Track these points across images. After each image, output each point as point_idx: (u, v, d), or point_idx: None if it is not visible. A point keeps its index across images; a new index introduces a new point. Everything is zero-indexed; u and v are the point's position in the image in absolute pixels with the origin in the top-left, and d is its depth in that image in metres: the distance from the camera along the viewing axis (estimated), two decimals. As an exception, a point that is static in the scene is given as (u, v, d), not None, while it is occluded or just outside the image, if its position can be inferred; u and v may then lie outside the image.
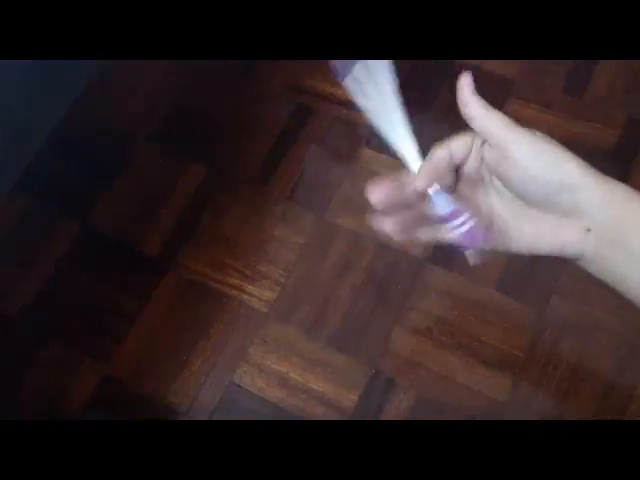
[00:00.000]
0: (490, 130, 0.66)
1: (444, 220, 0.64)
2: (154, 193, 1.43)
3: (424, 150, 0.64)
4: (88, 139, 1.53)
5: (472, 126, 0.67)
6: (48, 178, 1.50)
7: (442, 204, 0.64)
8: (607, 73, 1.32)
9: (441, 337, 1.18)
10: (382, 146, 1.41)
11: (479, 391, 1.13)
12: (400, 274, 1.24)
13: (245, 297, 1.30)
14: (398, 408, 1.15)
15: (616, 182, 0.64)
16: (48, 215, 1.45)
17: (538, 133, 0.66)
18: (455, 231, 0.64)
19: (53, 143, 1.52)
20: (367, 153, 1.37)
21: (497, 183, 0.68)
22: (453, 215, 0.64)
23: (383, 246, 1.27)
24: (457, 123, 1.37)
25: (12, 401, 1.29)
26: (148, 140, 1.48)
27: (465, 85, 0.65)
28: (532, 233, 0.68)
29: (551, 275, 1.18)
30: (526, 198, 0.68)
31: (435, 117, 1.36)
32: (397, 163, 1.39)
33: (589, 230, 0.65)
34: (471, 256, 0.64)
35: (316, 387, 1.20)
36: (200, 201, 1.40)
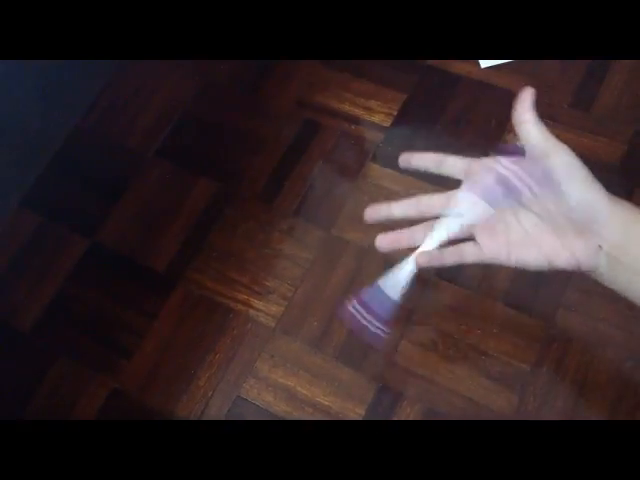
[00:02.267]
0: (536, 139, 0.71)
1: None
2: (162, 209, 1.44)
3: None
4: (96, 154, 1.54)
5: (519, 132, 0.72)
6: (56, 194, 1.51)
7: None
8: (614, 88, 1.33)
9: (447, 351, 1.18)
10: (389, 161, 1.42)
11: (485, 405, 1.13)
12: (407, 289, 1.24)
13: (252, 312, 1.30)
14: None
15: (624, 202, 0.67)
16: (57, 231, 1.46)
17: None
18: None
19: (61, 159, 1.54)
20: (374, 168, 1.37)
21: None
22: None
23: (390, 261, 1.27)
24: (463, 134, 1.36)
25: (21, 415, 1.30)
26: (156, 155, 1.50)
27: (526, 98, 0.77)
28: (550, 247, 0.72)
29: (557, 289, 1.18)
30: (545, 213, 0.71)
31: (443, 129, 1.38)
32: (403, 178, 1.40)
33: (601, 247, 0.68)
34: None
35: (323, 401, 1.20)
36: (208, 217, 1.41)
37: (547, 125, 1.31)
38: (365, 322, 0.77)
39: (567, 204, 0.70)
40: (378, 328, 0.77)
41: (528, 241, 0.73)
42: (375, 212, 0.83)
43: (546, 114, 1.33)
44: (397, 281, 0.80)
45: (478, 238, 0.75)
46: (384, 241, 0.80)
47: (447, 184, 1.31)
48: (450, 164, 0.79)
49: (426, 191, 1.30)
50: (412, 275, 0.79)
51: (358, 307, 0.78)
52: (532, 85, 1.35)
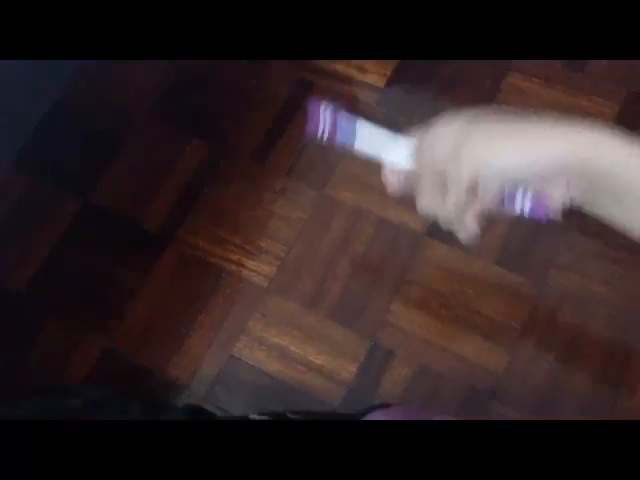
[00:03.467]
0: None
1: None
2: (154, 169, 1.43)
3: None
4: (88, 116, 1.53)
5: None
6: (48, 155, 1.50)
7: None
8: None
9: (439, 310, 1.18)
10: (382, 122, 1.41)
11: (476, 363, 1.13)
12: (399, 248, 1.25)
13: (245, 272, 1.30)
14: (396, 379, 1.16)
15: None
16: (48, 192, 1.45)
17: None
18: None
19: (52, 120, 1.52)
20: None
21: None
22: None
23: (383, 221, 1.28)
24: (456, 95, 1.34)
25: (16, 374, 1.30)
26: (148, 116, 1.49)
27: None
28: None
29: (549, 248, 1.18)
30: None
31: (436, 90, 1.37)
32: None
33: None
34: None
35: (315, 360, 1.21)
36: (200, 177, 1.40)
37: (542, 86, 1.32)
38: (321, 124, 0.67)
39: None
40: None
41: None
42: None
43: (541, 74, 1.33)
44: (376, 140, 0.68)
45: None
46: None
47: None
48: None
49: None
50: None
51: (327, 116, 0.67)
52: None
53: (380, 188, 1.33)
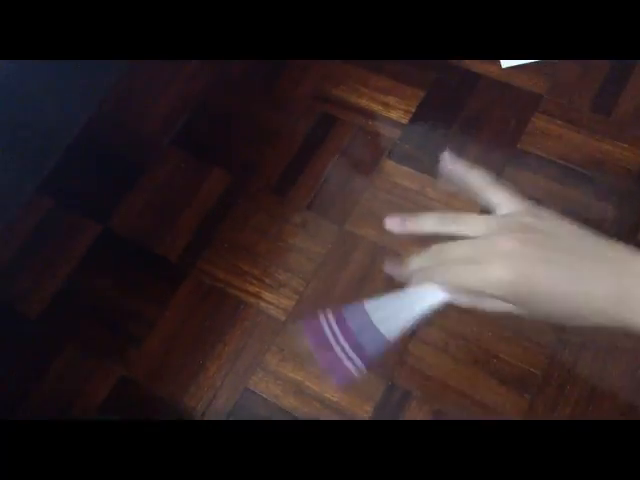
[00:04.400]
0: None
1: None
2: (175, 198, 1.44)
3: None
4: (112, 143, 1.54)
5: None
6: (71, 181, 1.51)
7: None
8: (636, 92, 1.31)
9: (458, 352, 1.18)
10: (405, 159, 1.41)
11: (494, 409, 1.12)
12: (419, 287, 1.24)
13: (263, 304, 1.30)
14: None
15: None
16: (70, 217, 1.46)
17: None
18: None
19: (78, 146, 1.54)
20: (389, 165, 1.37)
21: None
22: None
23: (403, 259, 1.27)
24: (480, 134, 1.36)
25: (30, 400, 1.30)
26: (171, 145, 1.49)
27: None
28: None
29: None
30: None
31: (460, 128, 1.36)
32: (419, 176, 1.39)
33: None
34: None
35: (331, 397, 1.20)
36: (221, 208, 1.40)
37: (568, 129, 1.31)
38: (336, 346, 0.54)
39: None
40: (350, 359, 0.54)
41: None
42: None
43: (566, 117, 1.33)
44: (398, 315, 0.57)
45: None
46: (392, 222, 0.64)
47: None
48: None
49: (440, 190, 1.30)
50: (425, 314, 0.57)
51: (333, 324, 0.55)
52: (552, 87, 1.35)
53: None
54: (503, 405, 1.12)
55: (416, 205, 1.31)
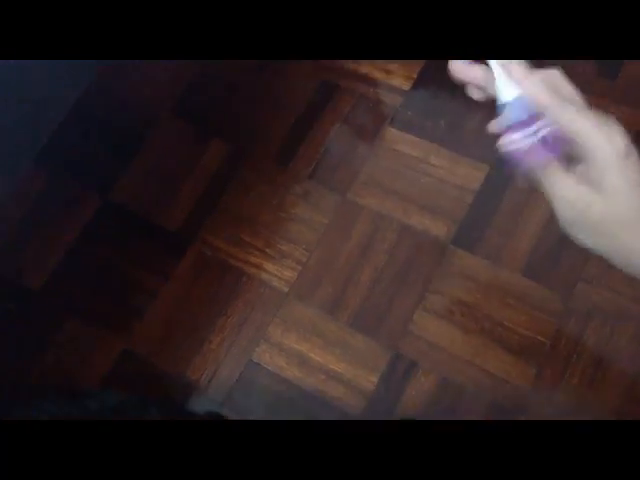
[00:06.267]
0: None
1: (521, 126, 0.64)
2: (175, 168, 1.42)
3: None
4: (110, 114, 1.52)
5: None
6: (69, 153, 1.49)
7: (520, 110, 0.65)
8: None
9: (464, 321, 1.17)
10: (407, 125, 1.39)
11: (501, 377, 1.12)
12: (423, 256, 1.23)
13: (265, 276, 1.29)
14: (418, 391, 1.14)
15: None
16: (68, 190, 1.44)
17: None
18: (531, 138, 0.63)
19: (74, 118, 1.51)
20: (391, 132, 1.35)
21: None
22: (530, 121, 0.64)
23: (406, 227, 1.26)
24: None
25: (34, 372, 1.29)
26: (170, 115, 1.47)
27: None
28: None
29: (578, 261, 1.16)
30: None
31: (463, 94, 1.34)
32: (421, 143, 1.37)
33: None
34: (525, 175, 0.64)
35: (336, 368, 1.19)
36: (221, 177, 1.38)
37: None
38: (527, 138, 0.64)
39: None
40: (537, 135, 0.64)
41: None
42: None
43: (573, 81, 1.31)
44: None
45: None
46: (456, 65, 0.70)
47: (463, 150, 1.28)
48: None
49: (444, 156, 1.28)
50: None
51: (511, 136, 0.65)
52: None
53: (403, 194, 1.32)
54: (509, 374, 1.11)
55: (419, 173, 1.29)
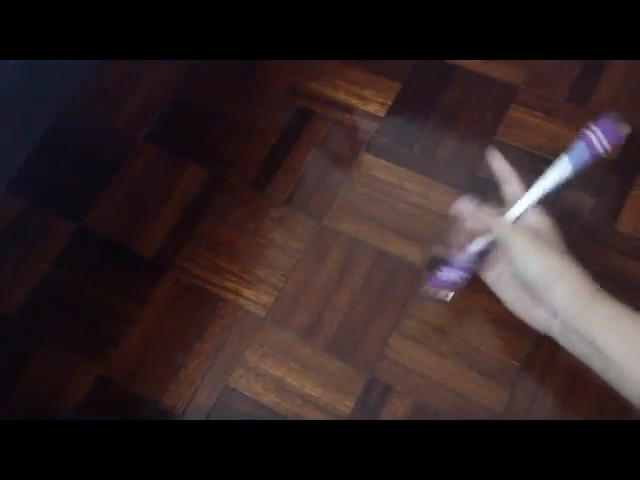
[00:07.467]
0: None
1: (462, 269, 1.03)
2: (151, 194, 1.42)
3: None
4: (85, 138, 1.52)
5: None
6: (44, 178, 1.49)
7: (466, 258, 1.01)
8: (611, 84, 1.31)
9: (439, 345, 1.17)
10: (382, 151, 1.40)
11: (475, 400, 1.12)
12: (399, 281, 1.24)
13: (242, 301, 1.29)
14: (394, 415, 1.14)
15: (584, 276, 0.81)
16: (43, 215, 1.44)
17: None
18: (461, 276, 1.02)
19: (49, 142, 1.51)
20: (367, 158, 1.36)
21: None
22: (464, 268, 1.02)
23: (382, 253, 1.27)
24: (457, 126, 1.35)
25: (6, 401, 1.28)
26: (146, 140, 1.48)
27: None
28: (513, 298, 0.93)
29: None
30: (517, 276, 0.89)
31: (437, 120, 1.36)
32: (397, 169, 1.39)
33: (555, 316, 0.83)
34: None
35: (312, 392, 1.19)
36: (198, 203, 1.39)
37: (545, 120, 1.31)
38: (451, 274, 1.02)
39: (523, 277, 0.86)
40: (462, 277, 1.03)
41: (501, 284, 0.97)
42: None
43: (542, 108, 1.33)
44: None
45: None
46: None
47: (438, 176, 1.30)
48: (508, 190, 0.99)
49: (419, 182, 1.29)
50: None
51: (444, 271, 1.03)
52: (529, 78, 1.35)
53: (379, 219, 1.33)
54: (484, 397, 1.12)
55: (394, 199, 1.30)
